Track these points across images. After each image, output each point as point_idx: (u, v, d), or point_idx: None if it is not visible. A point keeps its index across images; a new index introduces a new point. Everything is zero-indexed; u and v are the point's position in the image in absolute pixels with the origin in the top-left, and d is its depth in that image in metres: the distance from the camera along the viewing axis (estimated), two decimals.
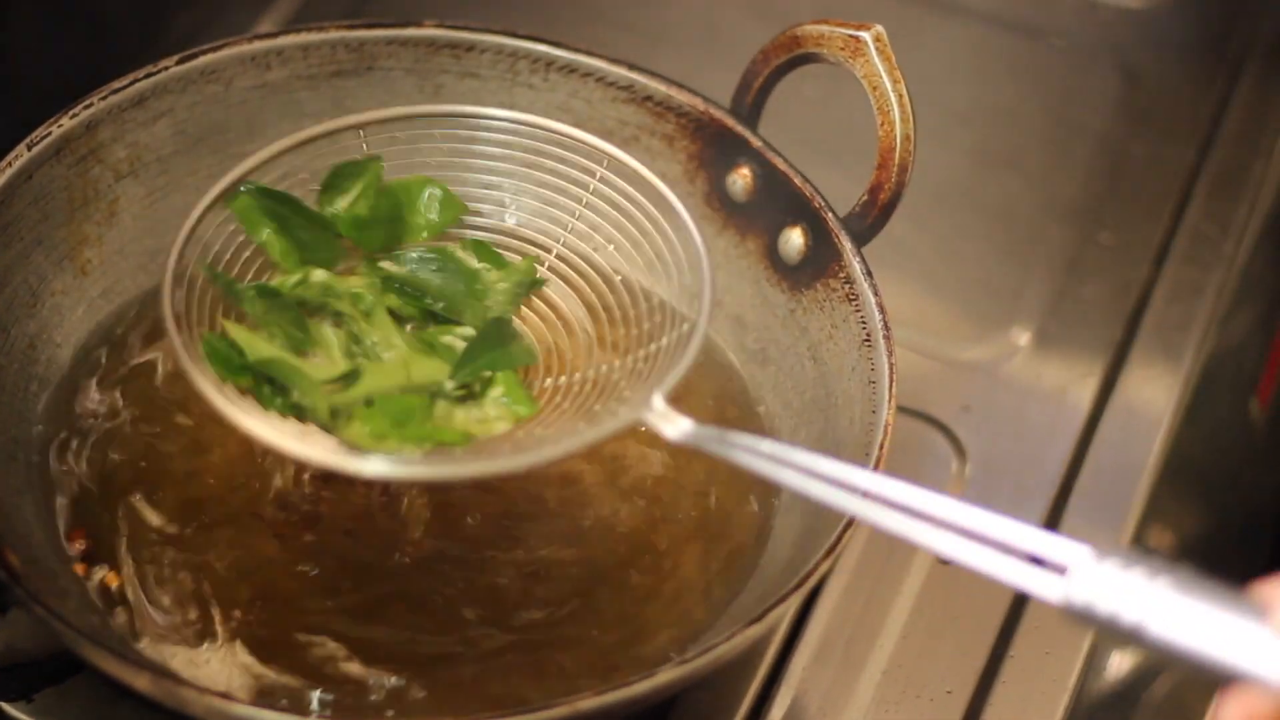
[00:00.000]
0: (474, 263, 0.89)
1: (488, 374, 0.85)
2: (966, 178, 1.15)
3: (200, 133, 0.97)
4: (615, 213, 0.88)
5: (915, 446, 1.01)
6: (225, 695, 0.78)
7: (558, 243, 0.91)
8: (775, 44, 0.93)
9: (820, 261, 0.93)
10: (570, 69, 0.98)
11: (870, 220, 0.91)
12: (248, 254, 0.87)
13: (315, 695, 0.83)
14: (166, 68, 0.95)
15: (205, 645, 0.84)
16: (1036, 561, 0.60)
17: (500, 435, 0.83)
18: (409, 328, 0.88)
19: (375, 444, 0.80)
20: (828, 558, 0.80)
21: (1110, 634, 0.59)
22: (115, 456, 0.90)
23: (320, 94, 0.98)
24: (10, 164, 0.90)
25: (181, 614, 0.85)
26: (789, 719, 0.90)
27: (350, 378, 0.84)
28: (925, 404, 1.03)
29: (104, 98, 0.93)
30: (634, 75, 0.97)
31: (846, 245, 0.91)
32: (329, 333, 0.86)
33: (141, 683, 0.77)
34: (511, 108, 0.99)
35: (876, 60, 0.89)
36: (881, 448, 0.84)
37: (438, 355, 0.86)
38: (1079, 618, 0.59)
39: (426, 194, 0.91)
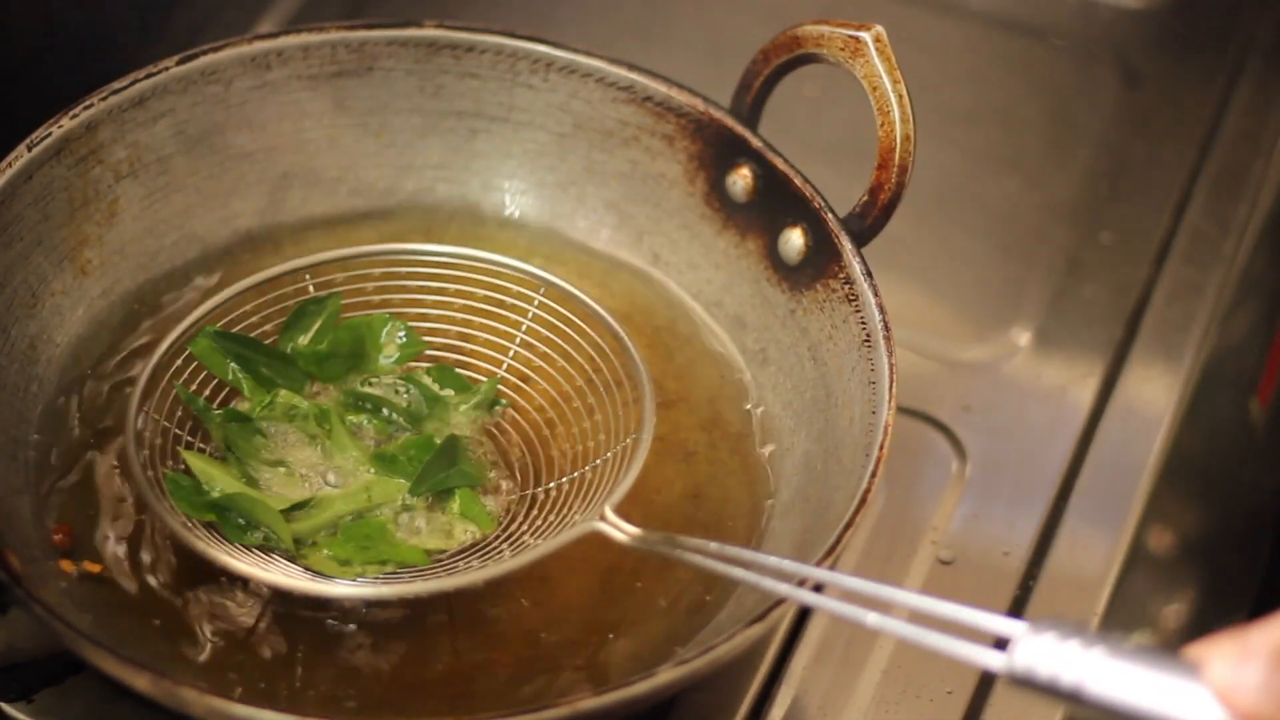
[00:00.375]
0: (436, 388, 0.92)
1: (444, 490, 0.89)
2: (967, 178, 1.15)
3: (200, 133, 0.97)
4: (555, 336, 0.92)
5: (915, 447, 1.01)
6: (225, 695, 0.78)
7: (500, 369, 0.93)
8: (775, 44, 0.93)
9: (820, 262, 0.93)
10: (570, 69, 0.98)
11: (870, 220, 0.91)
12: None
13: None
14: (167, 68, 0.95)
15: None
16: (1000, 643, 0.65)
17: (460, 549, 0.87)
18: (372, 443, 0.90)
19: (339, 570, 0.85)
20: (828, 558, 0.80)
21: (1053, 697, 0.62)
22: (115, 456, 0.90)
23: (320, 94, 0.98)
24: (10, 164, 0.90)
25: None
26: (789, 719, 0.90)
27: (312, 505, 0.87)
28: (925, 404, 1.03)
29: (104, 98, 0.93)
30: (634, 75, 0.97)
31: (846, 245, 0.91)
32: (293, 459, 0.89)
33: (141, 683, 0.77)
34: (512, 108, 0.99)
35: (876, 61, 0.89)
36: (881, 448, 0.84)
37: (399, 472, 0.89)
38: (1022, 684, 0.63)
39: (386, 331, 0.93)
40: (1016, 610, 0.95)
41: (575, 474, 0.89)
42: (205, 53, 0.96)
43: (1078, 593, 0.95)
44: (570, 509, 0.87)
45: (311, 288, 0.92)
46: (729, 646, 0.79)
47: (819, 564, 0.80)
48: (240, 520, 0.85)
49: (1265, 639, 0.60)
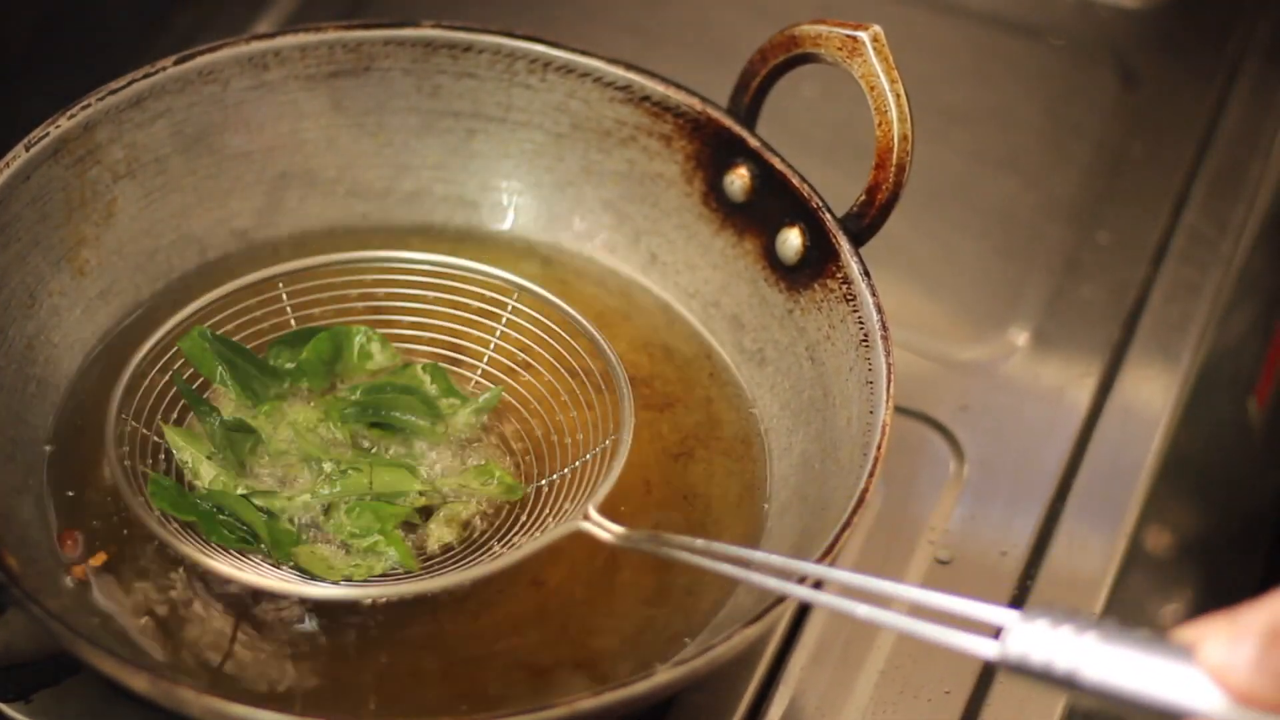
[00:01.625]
0: (431, 389, 0.92)
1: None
2: (964, 178, 1.15)
3: (198, 133, 0.97)
4: (528, 339, 0.92)
5: (913, 447, 1.01)
6: (224, 695, 0.78)
7: (475, 374, 0.93)
8: (773, 44, 0.93)
9: (818, 261, 0.93)
10: (568, 69, 0.98)
11: (868, 220, 0.91)
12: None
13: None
14: (164, 68, 0.95)
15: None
16: (996, 632, 0.65)
17: (446, 551, 0.87)
18: (369, 448, 0.91)
19: (325, 570, 0.85)
20: (825, 558, 0.80)
21: (1048, 684, 0.63)
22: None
23: (318, 94, 0.98)
24: (8, 164, 0.90)
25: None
26: (787, 719, 0.90)
27: (308, 493, 0.88)
28: (923, 404, 1.03)
29: (101, 98, 0.93)
30: (631, 75, 0.97)
31: (844, 245, 0.91)
32: (290, 461, 0.89)
33: (139, 683, 0.77)
34: (509, 108, 0.99)
35: (874, 60, 0.89)
36: (879, 448, 0.84)
37: (401, 468, 0.89)
38: (1017, 672, 0.63)
39: (359, 341, 0.92)
40: (1014, 610, 0.95)
41: (555, 476, 0.89)
42: (202, 53, 0.96)
43: (1076, 592, 0.95)
44: (559, 507, 0.87)
45: (285, 296, 0.92)
46: (727, 646, 0.79)
47: (818, 562, 0.80)
48: (221, 519, 0.85)
49: (1257, 618, 0.60)
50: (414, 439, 0.90)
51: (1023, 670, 0.63)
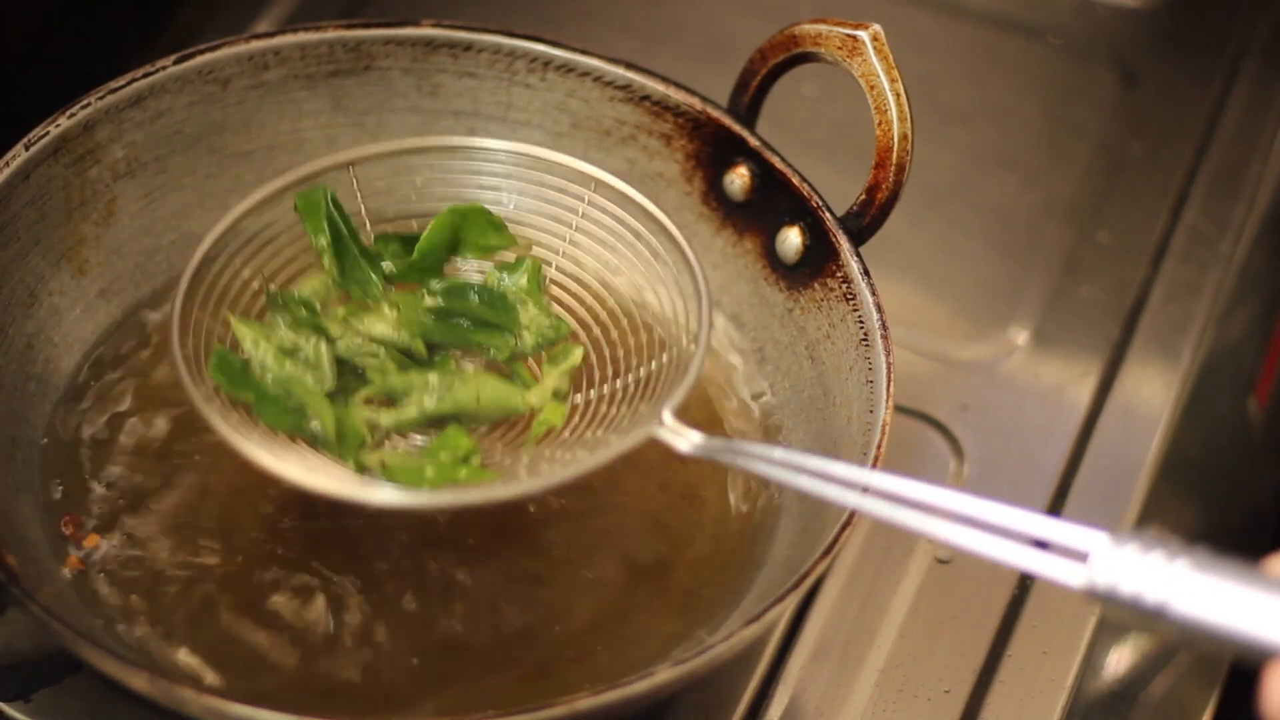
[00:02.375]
0: (519, 285, 0.89)
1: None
2: (964, 177, 1.15)
3: (198, 132, 0.97)
4: (606, 233, 0.89)
5: (913, 446, 1.01)
6: (223, 695, 0.78)
7: (550, 266, 0.91)
8: (773, 43, 0.93)
9: (818, 261, 0.93)
10: (568, 68, 0.98)
11: (868, 219, 0.91)
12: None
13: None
14: (164, 67, 0.95)
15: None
16: (1050, 549, 0.61)
17: (514, 459, 0.84)
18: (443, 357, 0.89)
19: (418, 480, 0.81)
20: (825, 558, 0.80)
21: (1136, 616, 0.59)
22: (114, 454, 0.90)
23: (318, 93, 0.98)
24: (8, 164, 0.90)
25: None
26: (787, 719, 0.90)
27: (404, 395, 0.85)
28: (923, 403, 1.03)
29: (101, 97, 0.93)
30: (631, 74, 0.97)
31: (844, 244, 0.91)
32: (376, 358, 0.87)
33: (138, 682, 0.77)
34: (509, 107, 0.99)
35: (874, 59, 0.89)
36: (879, 447, 0.84)
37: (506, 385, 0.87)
38: (1104, 602, 0.60)
39: (480, 223, 0.90)
40: (1014, 609, 0.95)
41: (629, 377, 0.86)
42: (202, 52, 0.96)
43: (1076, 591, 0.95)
44: (627, 413, 0.84)
45: (355, 182, 0.89)
46: (727, 646, 0.79)
47: (816, 562, 0.80)
48: (281, 403, 0.83)
49: None
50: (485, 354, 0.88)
51: (1110, 602, 0.60)
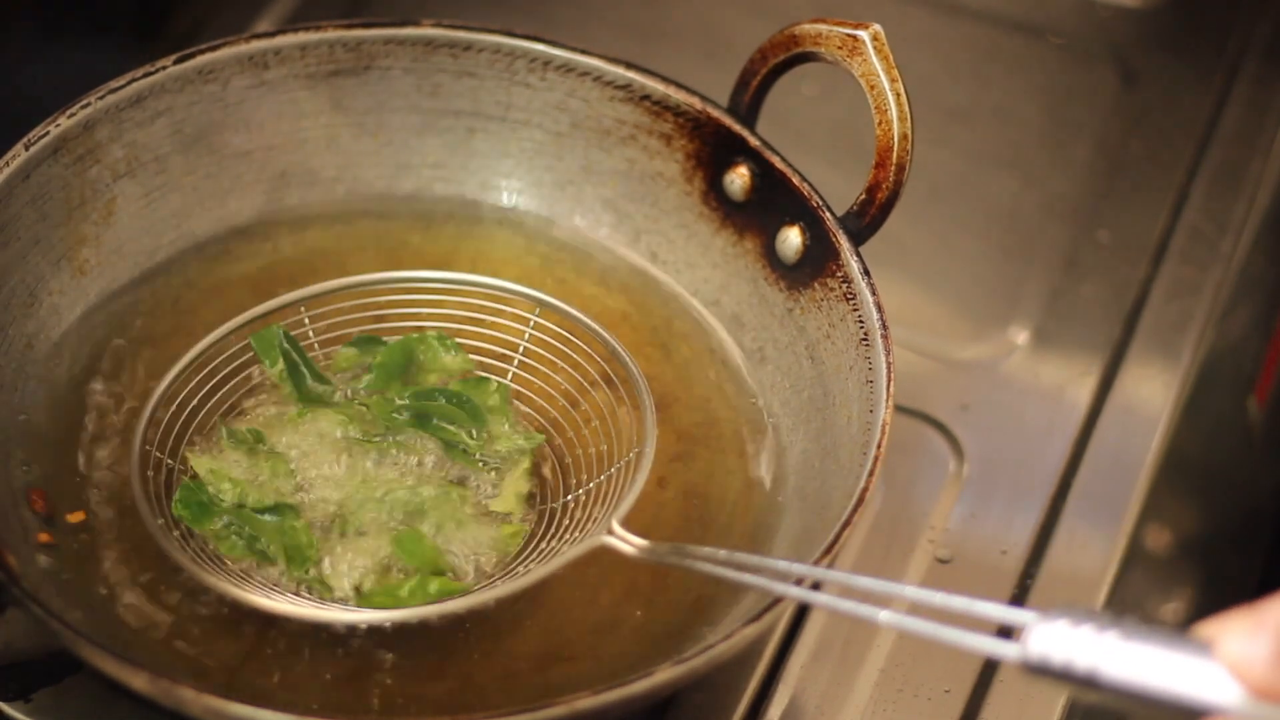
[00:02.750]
0: (487, 404, 0.91)
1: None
2: (964, 176, 1.15)
3: (198, 132, 0.97)
4: (552, 355, 0.92)
5: (913, 446, 1.01)
6: (223, 695, 0.78)
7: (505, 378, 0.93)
8: (773, 43, 0.93)
9: (818, 260, 0.93)
10: (567, 68, 0.98)
11: (868, 219, 0.91)
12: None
13: None
14: (164, 67, 0.95)
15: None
16: (1004, 632, 0.65)
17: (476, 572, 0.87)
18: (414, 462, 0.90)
19: (393, 602, 0.84)
20: (825, 557, 0.80)
21: (1069, 683, 0.62)
22: (115, 453, 0.90)
23: (318, 93, 0.98)
24: (8, 163, 0.90)
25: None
26: (787, 718, 0.90)
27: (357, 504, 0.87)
28: (923, 403, 1.03)
29: (101, 97, 0.93)
30: (631, 74, 0.97)
31: (844, 244, 0.91)
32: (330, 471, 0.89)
33: (138, 682, 0.77)
34: (509, 107, 0.99)
35: (874, 59, 0.89)
36: (879, 447, 0.84)
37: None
38: (1037, 672, 0.63)
39: (434, 347, 0.92)
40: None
41: (581, 491, 0.89)
42: (202, 52, 0.96)
43: (1076, 591, 0.95)
44: (584, 521, 0.87)
45: (307, 320, 0.91)
46: (727, 646, 0.79)
47: (817, 562, 0.80)
48: (236, 532, 0.85)
49: (1277, 613, 0.60)
50: (452, 453, 0.90)
51: (1043, 671, 0.63)
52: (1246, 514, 1.17)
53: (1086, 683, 0.62)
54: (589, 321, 0.90)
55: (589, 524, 0.86)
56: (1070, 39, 1.23)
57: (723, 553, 0.78)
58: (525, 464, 0.89)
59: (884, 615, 0.69)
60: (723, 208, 0.97)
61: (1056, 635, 0.63)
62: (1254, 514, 1.17)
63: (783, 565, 0.76)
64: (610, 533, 0.82)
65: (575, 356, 0.91)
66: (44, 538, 0.86)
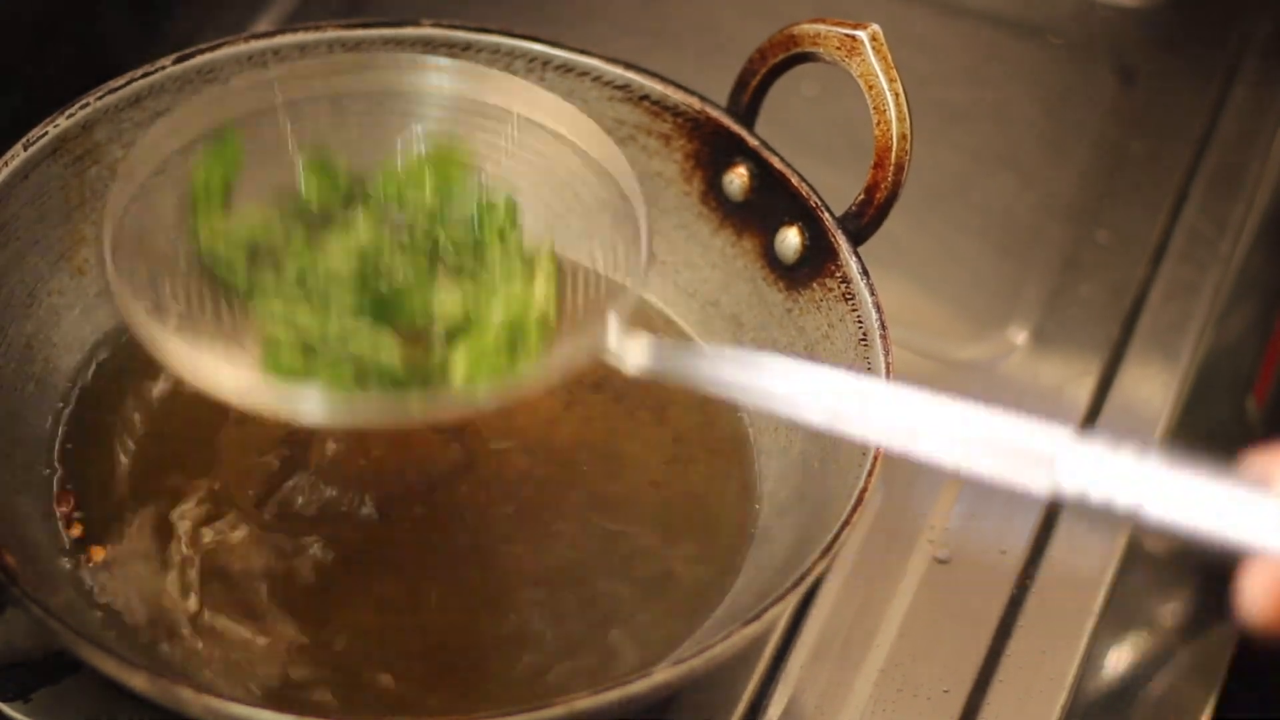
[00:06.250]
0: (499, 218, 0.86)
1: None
2: (963, 177, 1.15)
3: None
4: (536, 158, 0.87)
5: None
6: (223, 695, 0.78)
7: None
8: (772, 43, 0.93)
9: (817, 261, 0.93)
10: (566, 68, 0.98)
11: (867, 219, 0.91)
12: None
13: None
14: (163, 67, 0.95)
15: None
16: (1021, 454, 0.60)
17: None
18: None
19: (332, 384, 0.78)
20: (825, 557, 0.80)
21: (1110, 520, 0.58)
22: (116, 454, 0.90)
23: None
24: (6, 163, 0.90)
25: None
26: (786, 718, 0.90)
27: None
28: None
29: (101, 97, 0.93)
30: (630, 74, 0.97)
31: (843, 244, 0.91)
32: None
33: (138, 682, 0.77)
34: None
35: (873, 59, 0.89)
36: (878, 447, 0.84)
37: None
38: (1074, 506, 0.58)
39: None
40: (1013, 612, 0.95)
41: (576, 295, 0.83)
42: (202, 52, 0.96)
43: (1075, 591, 0.96)
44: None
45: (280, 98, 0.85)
46: (726, 645, 0.79)
47: (816, 562, 0.80)
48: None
49: None
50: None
51: (1081, 506, 0.58)
52: None
53: (1129, 520, 0.57)
54: (566, 104, 0.84)
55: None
56: (1069, 39, 1.23)
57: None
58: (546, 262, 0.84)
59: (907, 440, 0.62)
60: (722, 208, 0.97)
61: (1094, 464, 0.58)
62: None
63: (805, 373, 0.69)
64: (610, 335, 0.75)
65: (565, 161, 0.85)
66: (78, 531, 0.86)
